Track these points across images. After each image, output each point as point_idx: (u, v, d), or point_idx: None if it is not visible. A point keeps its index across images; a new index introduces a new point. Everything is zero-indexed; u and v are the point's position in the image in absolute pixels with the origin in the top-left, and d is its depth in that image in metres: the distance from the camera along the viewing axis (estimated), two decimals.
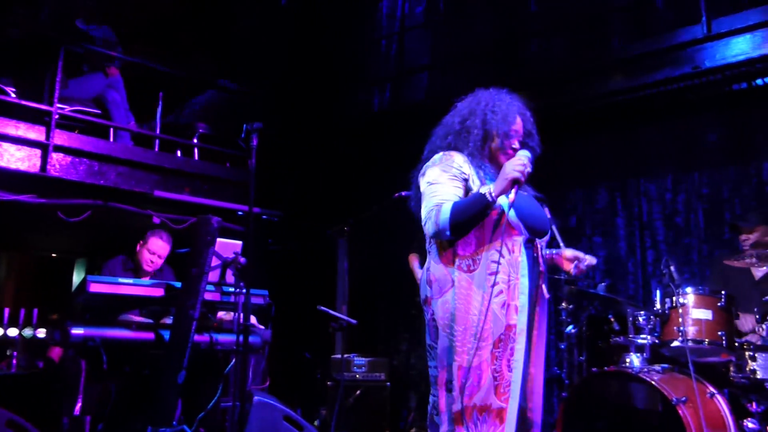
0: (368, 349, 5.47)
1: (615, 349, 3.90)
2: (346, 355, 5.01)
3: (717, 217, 4.80)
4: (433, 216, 2.40)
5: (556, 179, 5.44)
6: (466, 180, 2.49)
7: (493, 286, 2.36)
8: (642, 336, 3.71)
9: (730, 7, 4.56)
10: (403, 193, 4.41)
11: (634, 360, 3.65)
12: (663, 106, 4.97)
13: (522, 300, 2.41)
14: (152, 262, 4.48)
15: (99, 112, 5.62)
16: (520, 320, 2.40)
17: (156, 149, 5.75)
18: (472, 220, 2.38)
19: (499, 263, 2.38)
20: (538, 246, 2.52)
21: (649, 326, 3.70)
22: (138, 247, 4.51)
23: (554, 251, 2.80)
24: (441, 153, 2.57)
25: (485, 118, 2.59)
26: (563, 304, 4.28)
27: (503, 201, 2.39)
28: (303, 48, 7.20)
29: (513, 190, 2.33)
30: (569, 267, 2.71)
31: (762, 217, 4.03)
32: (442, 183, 2.48)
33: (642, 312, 3.78)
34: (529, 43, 5.77)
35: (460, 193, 2.45)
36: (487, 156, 2.59)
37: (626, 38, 5.15)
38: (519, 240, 2.44)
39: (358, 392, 4.94)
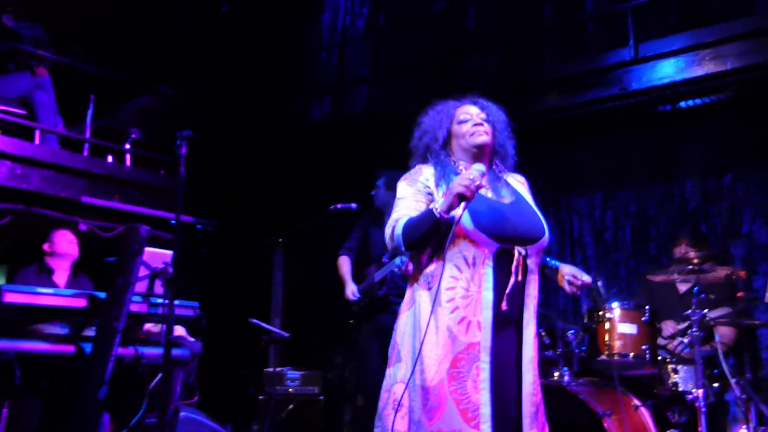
0: (302, 362, 5.42)
1: (545, 362, 3.97)
2: (279, 369, 4.94)
3: (643, 234, 4.98)
4: (389, 232, 2.35)
5: None
6: (430, 194, 2.42)
7: (449, 301, 2.26)
8: (570, 350, 3.79)
9: (657, 32, 4.76)
10: (339, 206, 4.40)
11: (563, 374, 3.73)
12: (593, 125, 5.13)
13: (485, 315, 2.23)
14: (70, 243, 4.46)
15: (24, 112, 5.39)
16: (483, 337, 2.22)
17: (85, 153, 5.54)
18: (424, 236, 2.29)
19: (456, 278, 2.27)
20: (516, 256, 2.31)
21: (577, 340, 3.79)
22: (46, 247, 4.42)
23: (554, 264, 2.67)
24: (415, 167, 2.54)
25: (436, 118, 2.60)
26: None
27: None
28: (242, 56, 7.12)
29: (462, 206, 2.21)
30: (563, 283, 2.56)
31: (686, 235, 4.20)
32: (406, 197, 2.44)
33: (571, 326, 3.87)
34: (467, 59, 5.87)
35: (422, 207, 2.38)
36: (459, 156, 2.54)
37: (559, 58, 5.31)
38: (483, 252, 2.28)
39: (291, 406, 4.87)
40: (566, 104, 4.96)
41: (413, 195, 2.43)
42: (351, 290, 4.43)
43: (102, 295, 3.22)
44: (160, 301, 3.44)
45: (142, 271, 3.40)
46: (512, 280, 2.29)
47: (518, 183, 2.64)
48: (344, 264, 4.56)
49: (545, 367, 3.98)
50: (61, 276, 4.45)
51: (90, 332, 3.28)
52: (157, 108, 6.82)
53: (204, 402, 4.64)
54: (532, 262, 2.35)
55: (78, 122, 5.86)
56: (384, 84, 6.39)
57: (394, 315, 4.42)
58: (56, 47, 5.84)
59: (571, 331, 3.84)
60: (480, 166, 2.30)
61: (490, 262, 2.28)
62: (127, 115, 6.76)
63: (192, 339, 4.12)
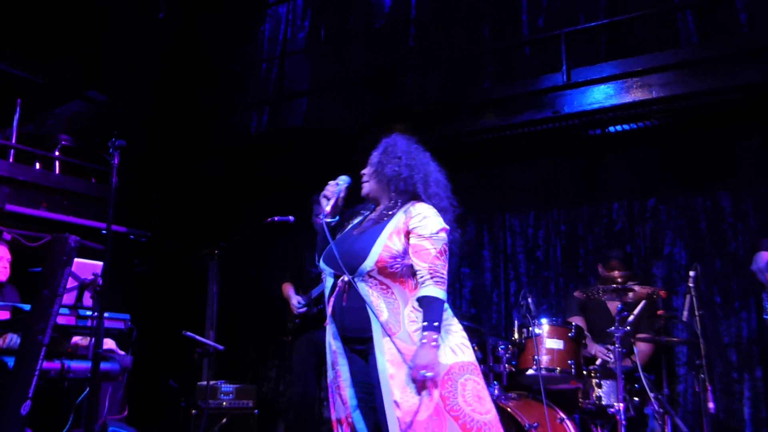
0: (236, 375, 5.34)
1: None
2: (212, 382, 4.86)
3: (573, 252, 5.15)
4: None
5: None
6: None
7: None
8: (501, 364, 3.89)
9: (589, 59, 4.96)
10: (276, 218, 4.39)
11: (493, 388, 3.82)
12: (527, 146, 5.29)
13: (333, 340, 2.61)
14: (4, 267, 4.17)
15: None
16: (336, 362, 2.59)
17: (11, 160, 5.34)
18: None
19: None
20: (341, 283, 2.58)
21: (507, 355, 3.90)
22: None
23: None
24: None
25: None
26: None
27: None
28: (180, 64, 7.00)
29: (329, 203, 2.66)
30: None
31: (616, 256, 4.39)
32: None
33: (501, 341, 3.97)
34: (406, 77, 5.96)
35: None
36: None
37: (496, 79, 5.45)
38: (330, 280, 2.63)
39: (224, 420, 4.79)
40: (502, 124, 5.08)
41: None
42: (296, 300, 4.43)
43: (27, 307, 3.12)
44: (89, 313, 3.36)
45: (71, 283, 3.31)
46: (344, 303, 2.56)
47: (396, 215, 2.65)
48: (287, 288, 4.57)
49: None
50: None
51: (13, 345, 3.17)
52: (88, 115, 6.64)
53: (134, 416, 4.51)
54: (366, 286, 2.51)
55: (4, 127, 5.65)
56: (324, 98, 6.41)
57: None
58: None
59: (502, 346, 3.94)
60: (344, 178, 2.73)
61: (330, 289, 2.63)
62: (57, 121, 6.55)
63: (122, 352, 4.02)
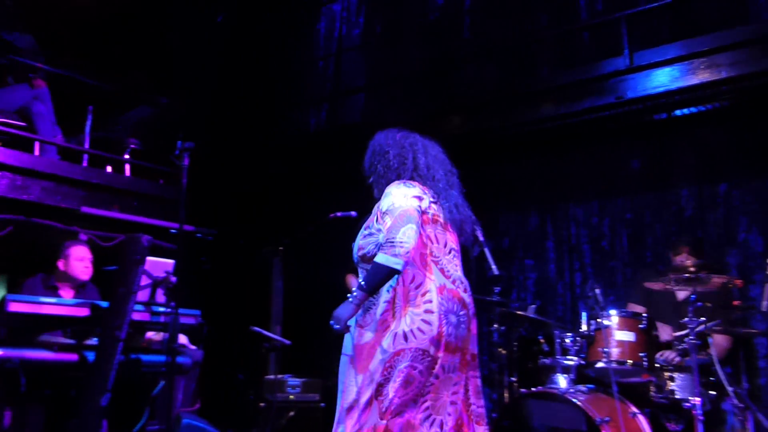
0: (302, 369, 5.43)
1: (543, 370, 4.00)
2: (279, 376, 4.95)
3: (640, 241, 5.01)
4: None
5: (489, 202, 5.57)
6: None
7: None
8: (569, 357, 3.82)
9: (652, 41, 4.81)
10: (339, 214, 4.43)
11: (561, 381, 3.76)
12: (588, 134, 5.17)
13: None
14: (86, 267, 4.33)
15: (24, 124, 5.41)
16: None
17: (84, 164, 5.57)
18: None
19: None
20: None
21: (575, 348, 3.82)
22: (60, 265, 4.31)
23: None
24: None
25: None
26: (495, 325, 4.36)
27: None
28: (239, 65, 7.15)
29: None
30: None
31: (687, 243, 4.23)
32: None
33: (569, 334, 3.89)
34: (462, 69, 5.92)
35: None
36: None
37: (555, 67, 5.35)
38: None
39: (291, 413, 4.88)
40: (562, 113, 5.00)
41: None
42: None
43: (104, 304, 3.25)
44: (162, 309, 3.47)
45: (144, 280, 3.43)
46: None
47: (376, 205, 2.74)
48: (350, 279, 4.62)
49: (543, 373, 4.01)
50: (67, 289, 4.43)
51: (93, 341, 3.31)
52: (154, 118, 6.85)
53: (205, 409, 4.66)
54: (359, 276, 2.65)
55: (77, 133, 5.89)
56: (380, 93, 6.43)
57: None
58: (55, 59, 5.88)
59: (570, 338, 3.86)
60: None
61: None
62: (125, 126, 6.78)
63: (193, 347, 4.15)
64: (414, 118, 5.64)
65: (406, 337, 2.45)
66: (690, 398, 3.41)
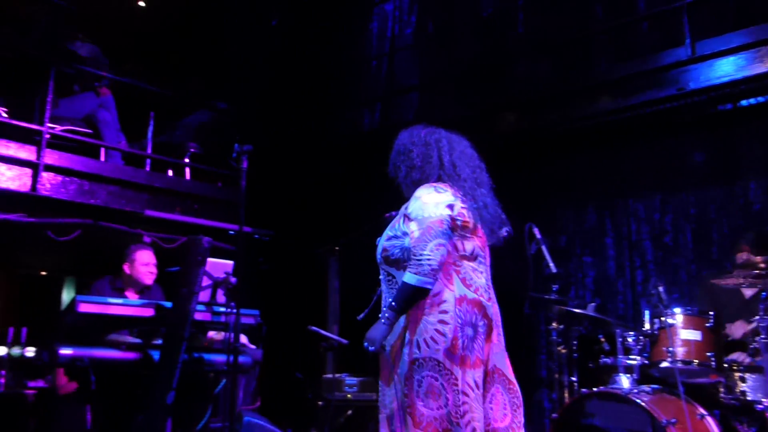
0: (360, 368, 5.46)
1: (604, 369, 3.90)
2: (337, 375, 4.99)
3: (705, 237, 4.84)
4: None
5: (545, 198, 5.49)
6: None
7: None
8: (631, 357, 3.72)
9: (714, 30, 4.64)
10: (394, 213, 4.44)
11: (623, 381, 3.66)
12: (649, 127, 5.03)
13: None
14: (151, 272, 4.44)
15: (90, 131, 5.62)
16: None
17: (147, 169, 5.76)
18: None
19: None
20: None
21: (638, 347, 3.72)
22: (126, 268, 4.42)
23: None
24: None
25: None
26: (553, 324, 4.29)
27: None
28: (293, 67, 7.25)
29: None
30: None
31: (748, 240, 4.07)
32: None
33: (631, 332, 3.80)
34: (516, 64, 5.84)
35: None
36: None
37: (612, 60, 5.22)
38: None
39: (349, 412, 4.91)
40: (620, 107, 4.88)
41: None
42: None
43: (168, 304, 3.34)
44: (222, 309, 3.55)
45: (205, 281, 3.52)
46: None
47: (403, 207, 2.67)
48: None
49: (605, 373, 3.92)
50: (133, 292, 4.57)
51: (158, 340, 3.41)
52: (213, 122, 7.02)
53: (265, 407, 4.74)
54: (382, 278, 2.64)
55: (140, 138, 6.09)
56: (434, 91, 6.41)
57: None
58: (117, 67, 6.10)
59: (632, 337, 3.76)
60: None
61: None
62: (185, 131, 6.97)
63: (253, 346, 4.22)
64: (467, 115, 5.60)
65: (419, 346, 2.40)
66: (763, 399, 3.28)
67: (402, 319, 2.47)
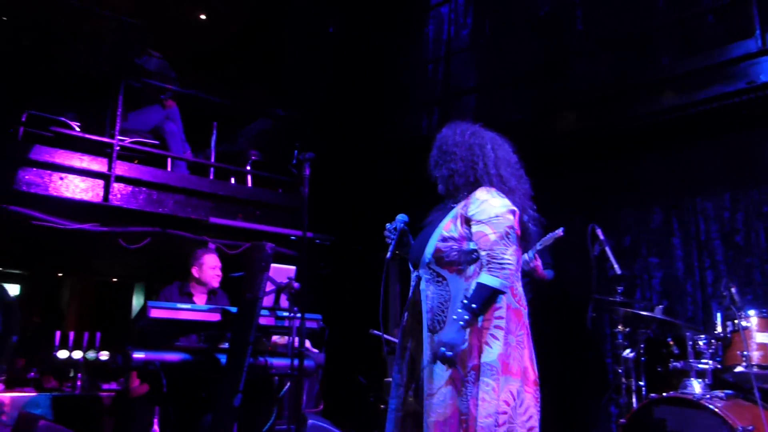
0: None
1: (674, 374, 3.79)
2: None
3: None
4: None
5: (608, 199, 5.36)
6: None
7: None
8: (703, 361, 3.60)
9: None
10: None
11: (695, 386, 3.54)
12: (717, 123, 4.85)
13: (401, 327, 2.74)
14: (217, 275, 4.63)
15: (157, 142, 5.83)
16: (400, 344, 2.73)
17: (211, 177, 5.92)
18: None
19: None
20: (415, 276, 2.70)
21: (710, 350, 3.59)
22: (194, 272, 4.60)
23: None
24: None
25: None
26: (619, 327, 4.19)
27: None
28: (351, 73, 7.33)
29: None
30: None
31: None
32: None
33: (702, 335, 3.67)
34: (576, 62, 5.73)
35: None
36: None
37: (676, 54, 5.06)
38: (413, 274, 2.74)
39: None
40: (685, 102, 4.71)
41: None
42: None
43: (234, 309, 3.43)
44: (285, 314, 3.61)
45: (269, 286, 3.59)
46: (409, 295, 2.71)
47: (457, 209, 2.66)
48: None
49: (675, 378, 3.81)
50: (200, 295, 4.73)
51: (224, 344, 3.50)
52: (272, 130, 7.16)
53: (328, 410, 4.79)
54: (424, 278, 2.61)
55: (203, 148, 6.27)
56: (491, 92, 6.36)
57: None
58: (180, 79, 6.30)
59: (703, 341, 3.64)
60: (399, 217, 2.88)
61: (412, 283, 2.71)
62: (246, 138, 7.14)
63: (316, 350, 4.28)
64: (526, 116, 5.53)
65: (480, 352, 2.40)
66: None
67: (448, 316, 2.48)
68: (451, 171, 2.70)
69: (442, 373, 2.45)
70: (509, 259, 2.42)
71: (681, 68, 4.81)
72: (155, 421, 3.85)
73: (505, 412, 2.36)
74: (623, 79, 5.22)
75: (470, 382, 2.38)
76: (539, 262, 4.26)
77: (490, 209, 2.49)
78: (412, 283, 2.73)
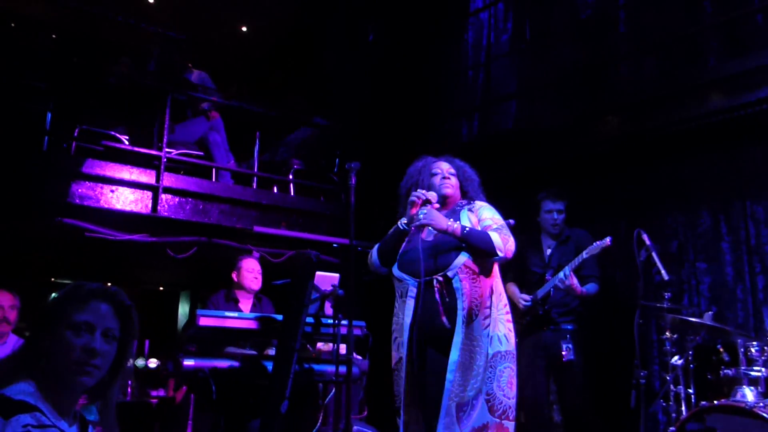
0: None
1: (725, 381, 3.70)
2: None
3: None
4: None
5: (654, 203, 5.28)
6: None
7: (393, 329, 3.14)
8: (755, 368, 3.51)
9: None
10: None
11: (748, 393, 3.46)
12: (766, 125, 4.73)
13: (403, 337, 3.05)
14: (255, 278, 4.76)
15: (202, 153, 5.96)
16: (402, 354, 3.05)
17: (254, 186, 6.02)
18: (390, 248, 3.22)
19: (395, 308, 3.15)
20: (437, 285, 2.95)
21: (763, 357, 3.51)
22: (235, 276, 4.78)
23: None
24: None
25: (418, 169, 3.46)
26: (667, 333, 4.11)
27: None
28: (391, 81, 7.37)
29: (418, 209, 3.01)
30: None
31: None
32: None
33: (754, 342, 3.58)
34: (619, 66, 5.65)
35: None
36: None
37: (723, 56, 4.96)
38: (406, 286, 3.08)
39: None
40: (734, 105, 4.61)
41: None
42: (521, 298, 4.42)
43: (279, 317, 3.49)
44: (330, 321, 3.65)
45: (313, 294, 3.64)
46: (439, 304, 2.94)
47: (470, 219, 3.14)
48: (511, 287, 4.56)
49: (726, 385, 3.72)
50: (246, 300, 4.84)
51: (271, 351, 3.56)
52: (314, 138, 7.25)
53: (372, 417, 4.82)
54: (458, 281, 2.91)
55: (246, 158, 6.38)
56: (533, 98, 6.31)
57: (556, 332, 4.39)
58: (223, 90, 6.44)
59: (755, 347, 3.55)
60: (432, 194, 3.06)
61: (409, 294, 3.03)
62: (288, 148, 7.24)
63: (360, 357, 4.31)
64: (568, 121, 5.48)
65: (499, 341, 2.88)
66: None
67: (480, 314, 2.88)
68: (471, 178, 3.42)
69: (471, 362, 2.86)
70: (512, 241, 3.01)
71: (728, 70, 4.71)
72: (188, 426, 3.94)
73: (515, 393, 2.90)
74: (668, 81, 5.14)
75: (492, 367, 2.82)
76: (575, 280, 4.16)
77: (499, 217, 3.19)
78: (411, 294, 3.04)
